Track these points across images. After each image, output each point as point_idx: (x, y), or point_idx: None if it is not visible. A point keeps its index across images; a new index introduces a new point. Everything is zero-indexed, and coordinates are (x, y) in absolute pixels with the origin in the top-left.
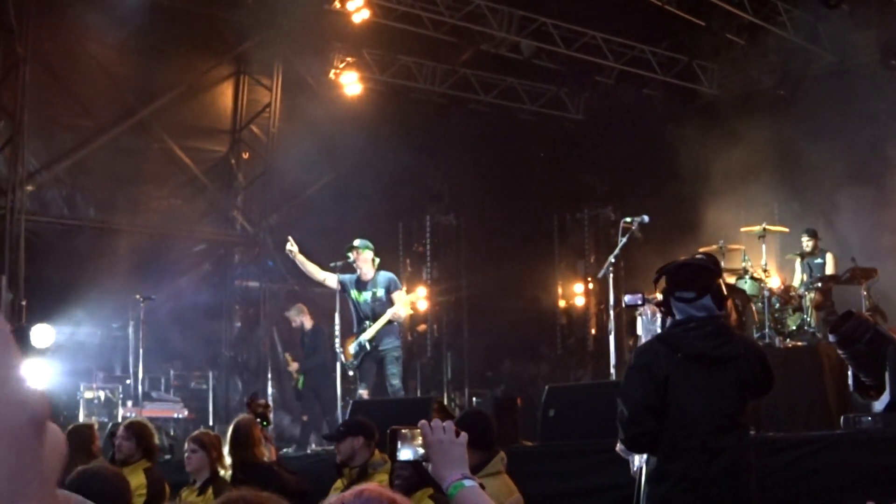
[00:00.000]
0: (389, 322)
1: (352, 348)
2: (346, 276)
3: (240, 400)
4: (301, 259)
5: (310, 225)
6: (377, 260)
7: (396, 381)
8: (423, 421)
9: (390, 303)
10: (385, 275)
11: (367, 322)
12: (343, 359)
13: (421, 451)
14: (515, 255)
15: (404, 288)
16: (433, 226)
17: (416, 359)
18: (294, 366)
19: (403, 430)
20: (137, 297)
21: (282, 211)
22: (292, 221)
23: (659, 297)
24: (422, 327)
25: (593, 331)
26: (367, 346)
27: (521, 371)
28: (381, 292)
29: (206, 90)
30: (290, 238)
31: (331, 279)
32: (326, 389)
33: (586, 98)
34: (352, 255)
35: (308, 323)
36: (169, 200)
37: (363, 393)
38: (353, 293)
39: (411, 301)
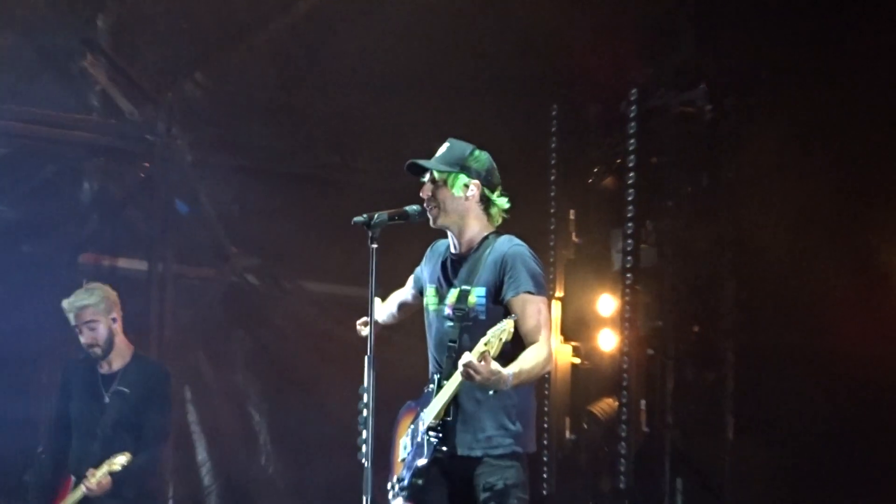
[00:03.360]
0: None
1: (402, 445)
2: (430, 259)
3: None
4: (380, 313)
5: (297, 110)
6: (498, 201)
7: None
8: None
9: (500, 320)
10: (503, 246)
11: (437, 375)
12: (393, 478)
13: None
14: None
15: (543, 292)
16: (645, 119)
17: (586, 491)
18: (93, 480)
19: None
20: None
21: (218, 62)
22: (249, 103)
23: None
24: (606, 405)
25: None
26: (427, 446)
27: None
28: (477, 294)
29: None
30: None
31: (406, 292)
32: None
33: None
34: (423, 194)
35: (125, 348)
36: None
37: None
38: (428, 294)
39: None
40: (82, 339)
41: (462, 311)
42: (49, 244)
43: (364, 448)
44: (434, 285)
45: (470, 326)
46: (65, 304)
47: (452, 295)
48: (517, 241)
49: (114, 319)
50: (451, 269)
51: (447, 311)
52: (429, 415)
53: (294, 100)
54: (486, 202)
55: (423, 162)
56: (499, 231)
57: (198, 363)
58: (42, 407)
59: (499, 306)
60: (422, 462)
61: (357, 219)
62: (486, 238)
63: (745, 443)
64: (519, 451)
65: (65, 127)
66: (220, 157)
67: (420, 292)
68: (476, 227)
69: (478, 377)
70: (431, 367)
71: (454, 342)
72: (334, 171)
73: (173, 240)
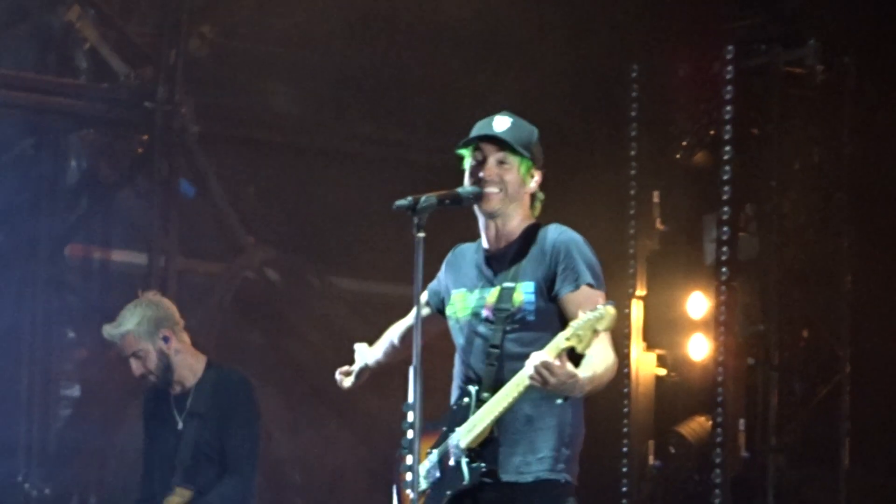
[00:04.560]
0: (529, 390)
1: (423, 474)
2: (454, 265)
3: None
4: (369, 360)
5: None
6: (540, 193)
7: None
8: None
9: (552, 322)
10: (552, 233)
11: (473, 387)
12: None
13: None
14: None
15: (602, 286)
16: (744, 81)
17: None
18: None
19: None
20: None
21: (229, 13)
22: (267, 63)
23: None
24: (697, 425)
25: None
26: (468, 469)
27: None
28: (525, 291)
29: None
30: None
31: (399, 330)
32: None
33: None
34: (469, 171)
35: (195, 361)
36: None
37: None
38: (455, 299)
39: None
40: (133, 371)
41: (505, 312)
42: (27, 234)
43: (409, 476)
44: (464, 289)
45: (516, 329)
46: (105, 332)
47: (491, 294)
48: (566, 227)
49: (165, 338)
50: (487, 267)
51: (485, 312)
52: (468, 433)
53: (320, 58)
54: (532, 195)
55: (505, 137)
56: (538, 221)
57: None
58: (21, 429)
59: (551, 304)
60: (457, 489)
61: (400, 202)
62: (528, 228)
63: (863, 471)
64: (570, 480)
65: (46, 92)
66: (233, 128)
67: (439, 308)
68: (518, 218)
69: (552, 380)
70: (460, 380)
71: (496, 347)
72: (369, 145)
73: (177, 228)
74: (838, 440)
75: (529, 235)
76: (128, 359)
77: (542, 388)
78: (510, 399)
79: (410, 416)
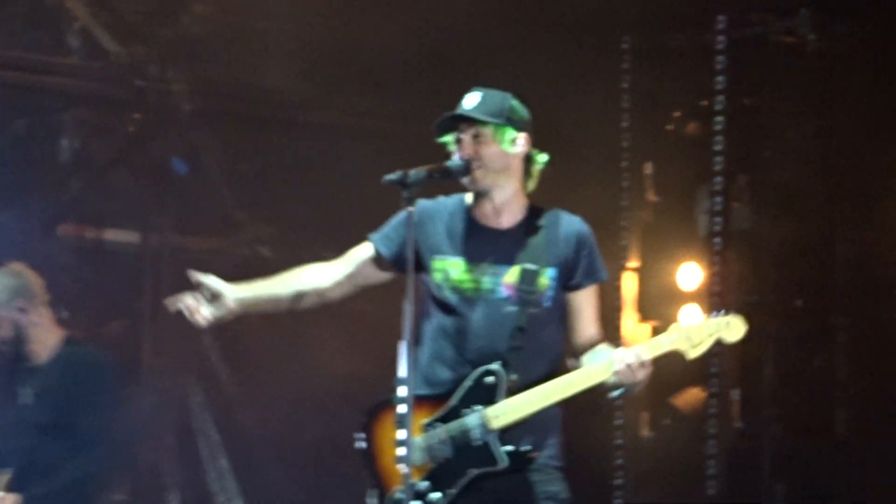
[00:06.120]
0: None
1: (422, 446)
2: (430, 223)
3: None
4: (240, 296)
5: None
6: (539, 157)
7: None
8: None
9: (560, 309)
10: (573, 222)
11: (495, 366)
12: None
13: None
14: None
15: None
16: (736, 51)
17: (668, 499)
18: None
19: None
20: None
21: None
22: (260, 37)
23: None
24: (691, 396)
25: None
26: (503, 456)
27: None
28: (549, 276)
29: None
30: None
31: (353, 263)
32: None
33: None
34: (456, 153)
35: (51, 337)
36: None
37: None
38: (449, 267)
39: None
40: None
41: (530, 294)
42: (21, 213)
43: (402, 451)
44: (460, 258)
45: (536, 314)
46: None
47: (510, 273)
48: (578, 217)
49: (21, 309)
50: (491, 242)
51: (504, 291)
52: (506, 415)
53: (315, 31)
54: (527, 159)
55: (469, 112)
56: (534, 204)
57: (204, 353)
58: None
59: (562, 292)
60: (488, 470)
61: (389, 177)
62: (536, 211)
63: (858, 441)
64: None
65: (37, 72)
66: (227, 104)
67: (395, 262)
68: (512, 189)
69: (641, 377)
70: (462, 355)
71: (522, 330)
72: (366, 118)
73: (170, 206)
74: (833, 410)
75: (536, 218)
76: None
77: (624, 383)
78: (576, 388)
79: (401, 391)
